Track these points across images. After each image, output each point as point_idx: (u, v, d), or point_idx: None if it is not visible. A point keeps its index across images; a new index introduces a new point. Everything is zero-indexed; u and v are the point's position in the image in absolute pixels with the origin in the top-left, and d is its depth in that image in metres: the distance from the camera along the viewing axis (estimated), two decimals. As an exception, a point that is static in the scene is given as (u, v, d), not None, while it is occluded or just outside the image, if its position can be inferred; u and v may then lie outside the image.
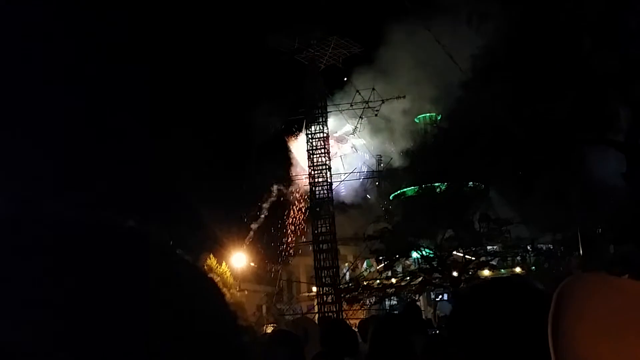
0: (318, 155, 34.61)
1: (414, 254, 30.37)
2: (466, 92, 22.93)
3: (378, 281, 32.34)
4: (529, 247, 29.22)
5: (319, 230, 33.67)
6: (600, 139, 18.14)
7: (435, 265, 28.23)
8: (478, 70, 20.26)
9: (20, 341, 0.34)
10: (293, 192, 45.76)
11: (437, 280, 28.70)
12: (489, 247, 29.59)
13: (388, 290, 31.16)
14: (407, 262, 33.01)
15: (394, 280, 31.40)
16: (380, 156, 46.55)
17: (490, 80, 18.64)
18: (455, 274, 27.56)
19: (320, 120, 34.92)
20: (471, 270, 28.03)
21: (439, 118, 41.42)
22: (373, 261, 36.26)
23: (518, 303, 1.19)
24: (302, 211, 45.31)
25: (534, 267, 29.14)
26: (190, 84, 46.63)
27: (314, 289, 36.38)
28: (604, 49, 16.15)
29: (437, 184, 29.14)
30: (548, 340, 0.88)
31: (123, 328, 0.37)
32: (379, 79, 40.37)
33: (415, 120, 46.39)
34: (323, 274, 33.07)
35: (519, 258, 30.80)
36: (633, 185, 16.92)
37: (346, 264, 41.07)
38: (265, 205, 47.77)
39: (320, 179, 34.21)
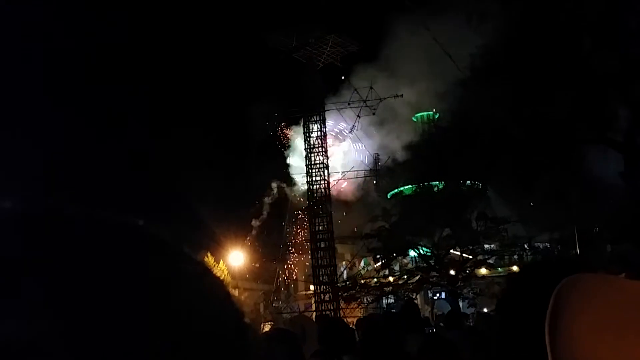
0: (316, 154, 34.60)
1: (412, 253, 30.39)
2: (465, 91, 22.93)
3: (375, 280, 32.36)
4: (526, 246, 29.25)
5: (317, 229, 33.68)
6: (599, 139, 18.13)
7: (433, 263, 28.25)
8: (477, 69, 20.25)
9: (20, 340, 0.34)
10: (291, 191, 45.76)
11: (434, 278, 28.73)
12: (486, 246, 29.62)
13: (385, 288, 31.16)
14: (405, 260, 33.03)
15: (391, 279, 31.40)
16: (378, 154, 46.59)
17: (489, 79, 18.64)
18: (452, 272, 27.59)
19: (318, 118, 34.90)
20: (468, 269, 28.08)
21: (436, 117, 41.45)
22: (370, 260, 36.28)
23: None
24: (299, 209, 45.31)
25: (531, 266, 29.13)
26: (188, 82, 46.60)
27: (312, 287, 36.40)
28: (603, 49, 16.16)
29: (434, 183, 29.15)
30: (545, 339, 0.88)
31: (126, 326, 0.36)
32: (377, 78, 40.37)
33: (413, 118, 46.43)
34: (320, 273, 33.07)
35: (516, 257, 30.84)
36: (631, 184, 16.95)
37: (344, 263, 41.08)
38: (263, 203, 47.82)
39: (317, 178, 34.20)
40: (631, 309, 0.85)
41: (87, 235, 0.40)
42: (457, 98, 25.17)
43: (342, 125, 45.46)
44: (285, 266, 46.36)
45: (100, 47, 42.85)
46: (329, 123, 39.65)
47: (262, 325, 29.20)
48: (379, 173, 47.46)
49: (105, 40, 43.15)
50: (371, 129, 44.51)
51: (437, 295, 33.62)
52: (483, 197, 29.37)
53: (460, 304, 27.08)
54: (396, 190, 42.38)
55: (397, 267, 32.55)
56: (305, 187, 35.70)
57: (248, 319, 0.41)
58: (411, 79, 39.94)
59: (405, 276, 30.37)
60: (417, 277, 29.26)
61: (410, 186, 34.63)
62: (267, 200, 47.73)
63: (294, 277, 46.93)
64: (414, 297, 28.87)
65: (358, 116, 39.91)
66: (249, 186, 46.46)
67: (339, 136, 49.09)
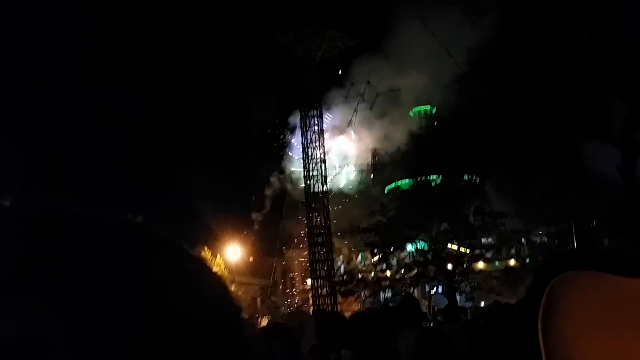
0: (313, 149, 34.59)
1: (409, 247, 30.43)
2: (463, 86, 22.92)
3: (373, 274, 32.41)
4: (523, 240, 29.33)
5: (314, 223, 33.69)
6: (596, 133, 18.15)
7: (430, 258, 28.30)
8: (474, 63, 20.25)
9: (20, 339, 0.33)
10: (289, 185, 45.76)
11: (431, 273, 28.77)
12: (483, 240, 29.68)
13: (383, 283, 31.23)
14: (402, 255, 33.06)
15: (388, 273, 31.47)
16: (375, 149, 46.58)
17: (487, 74, 18.63)
18: (449, 266, 27.63)
19: (315, 113, 34.87)
20: (466, 263, 28.13)
21: (433, 111, 41.44)
22: (368, 254, 36.33)
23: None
24: (298, 204, 45.31)
25: (528, 260, 29.24)
26: (184, 77, 46.48)
27: (309, 281, 36.44)
28: (600, 44, 16.16)
29: (432, 177, 29.18)
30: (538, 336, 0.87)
31: (126, 323, 0.36)
32: (374, 72, 40.33)
33: (410, 113, 46.41)
34: (318, 267, 33.10)
35: (513, 251, 30.91)
36: (627, 179, 16.97)
37: (341, 257, 41.11)
38: (262, 198, 47.80)
39: (315, 172, 34.20)
40: (627, 306, 0.84)
41: (86, 233, 0.40)
42: (455, 92, 25.17)
43: (340, 119, 45.46)
44: (283, 261, 46.39)
45: (99, 41, 42.74)
46: (327, 118, 39.65)
47: (259, 320, 29.26)
48: (377, 167, 47.49)
49: (103, 33, 43.04)
50: (368, 123, 44.51)
51: (435, 289, 33.66)
52: (480, 191, 29.42)
53: (458, 298, 27.14)
54: (393, 184, 42.39)
55: (394, 262, 32.60)
56: (303, 181, 35.71)
57: (246, 314, 0.45)
58: (409, 73, 39.87)
59: (403, 270, 30.42)
60: (415, 272, 29.32)
61: (407, 180, 34.66)
62: (264, 194, 47.74)
63: (292, 272, 46.98)
64: (411, 291, 28.92)
65: (355, 111, 39.92)
66: (246, 181, 46.45)
67: (337, 131, 49.11)
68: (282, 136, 47.09)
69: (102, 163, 37.90)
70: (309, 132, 34.74)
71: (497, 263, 30.96)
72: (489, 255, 30.20)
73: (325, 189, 34.35)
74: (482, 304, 22.27)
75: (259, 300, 42.00)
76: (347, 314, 5.66)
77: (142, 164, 42.56)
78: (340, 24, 35.51)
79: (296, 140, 39.64)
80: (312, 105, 34.90)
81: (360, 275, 32.65)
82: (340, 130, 48.77)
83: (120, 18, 42.63)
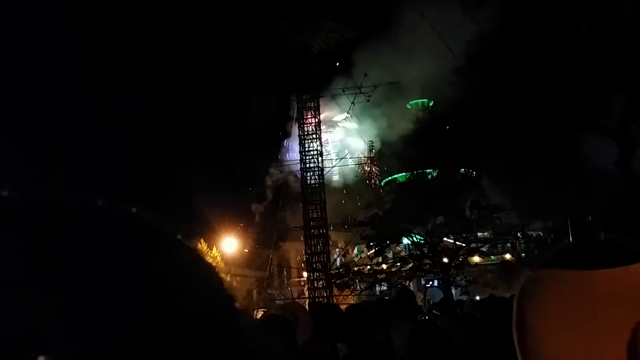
0: (310, 141, 34.53)
1: (405, 240, 30.46)
2: (460, 79, 22.89)
3: (369, 267, 32.44)
4: (519, 234, 29.38)
5: (310, 216, 33.68)
6: (593, 127, 18.16)
7: (426, 251, 28.34)
8: (472, 57, 20.21)
9: (20, 332, 0.33)
10: (286, 178, 45.71)
11: (427, 266, 28.82)
12: (479, 234, 29.71)
13: (378, 276, 31.28)
14: (398, 248, 33.11)
15: (384, 266, 31.52)
16: (372, 142, 46.57)
17: (484, 67, 18.61)
18: (445, 260, 27.67)
19: (313, 105, 34.79)
20: (461, 257, 28.17)
21: (431, 104, 41.38)
22: (364, 247, 36.36)
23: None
24: (294, 196, 45.31)
25: (524, 254, 29.29)
26: (181, 70, 46.36)
27: (305, 274, 36.45)
28: (600, 37, 16.14)
29: (428, 170, 29.16)
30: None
31: (124, 314, 0.36)
32: (372, 64, 40.24)
33: (408, 106, 46.35)
34: (314, 260, 33.12)
35: (509, 245, 30.96)
36: (624, 173, 16.99)
37: (337, 250, 41.15)
38: (258, 190, 47.77)
39: (311, 164, 34.15)
40: (601, 301, 0.83)
41: (83, 225, 0.40)
42: (453, 85, 25.14)
43: (337, 112, 45.40)
44: (279, 253, 46.41)
45: (98, 38, 42.60)
46: (324, 110, 39.55)
47: (255, 312, 29.27)
48: (373, 160, 47.49)
49: (102, 30, 42.86)
50: (366, 116, 44.47)
51: (430, 283, 33.72)
52: (477, 185, 29.38)
53: (453, 291, 27.19)
54: (390, 177, 42.39)
55: (390, 255, 32.65)
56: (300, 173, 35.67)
57: (241, 305, 0.45)
58: (406, 65, 39.82)
59: (399, 264, 30.48)
60: (410, 265, 29.37)
61: (404, 174, 34.64)
62: (262, 186, 47.71)
63: (288, 264, 47.01)
64: (406, 284, 28.96)
65: (352, 103, 39.83)
66: (243, 173, 46.42)
67: (333, 123, 49.05)
68: (280, 128, 47.03)
69: (96, 152, 37.77)
70: (305, 124, 34.68)
71: (492, 257, 31.01)
72: (484, 249, 30.24)
73: (321, 181, 34.33)
74: (478, 297, 22.33)
75: (254, 292, 42.01)
76: (343, 307, 5.63)
77: (137, 155, 42.48)
78: (339, 15, 35.41)
79: (293, 133, 39.54)
80: (308, 97, 34.83)
81: (356, 268, 32.67)
82: (337, 122, 48.78)
83: (120, 11, 42.51)
